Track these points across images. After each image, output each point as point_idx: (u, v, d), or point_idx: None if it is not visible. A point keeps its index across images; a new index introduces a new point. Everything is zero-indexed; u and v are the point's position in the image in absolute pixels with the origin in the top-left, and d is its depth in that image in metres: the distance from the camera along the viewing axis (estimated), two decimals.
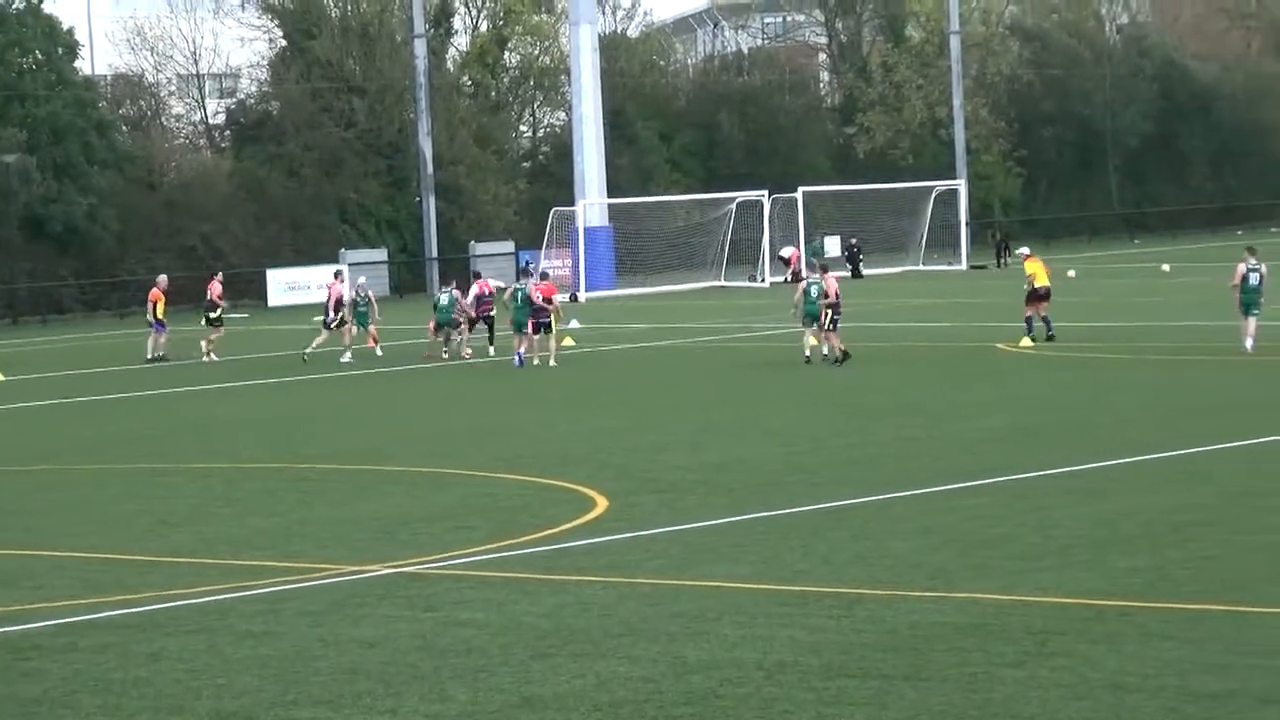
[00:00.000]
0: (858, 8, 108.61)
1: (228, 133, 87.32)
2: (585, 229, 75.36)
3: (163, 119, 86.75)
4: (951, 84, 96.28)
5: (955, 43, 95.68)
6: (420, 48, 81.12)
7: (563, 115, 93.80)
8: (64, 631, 16.85)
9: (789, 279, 75.53)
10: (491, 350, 46.88)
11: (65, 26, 79.43)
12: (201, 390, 41.75)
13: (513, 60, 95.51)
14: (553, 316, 43.59)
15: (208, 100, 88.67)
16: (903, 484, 23.28)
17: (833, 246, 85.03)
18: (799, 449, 27.42)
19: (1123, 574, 17.48)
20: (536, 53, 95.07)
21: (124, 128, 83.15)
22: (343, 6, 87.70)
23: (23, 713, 14.14)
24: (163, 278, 52.01)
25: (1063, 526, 20.02)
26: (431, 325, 47.54)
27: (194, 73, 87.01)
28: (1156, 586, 16.92)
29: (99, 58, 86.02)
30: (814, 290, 40.67)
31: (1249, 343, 38.78)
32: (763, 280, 77.34)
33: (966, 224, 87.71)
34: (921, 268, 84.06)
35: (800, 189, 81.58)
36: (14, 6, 77.75)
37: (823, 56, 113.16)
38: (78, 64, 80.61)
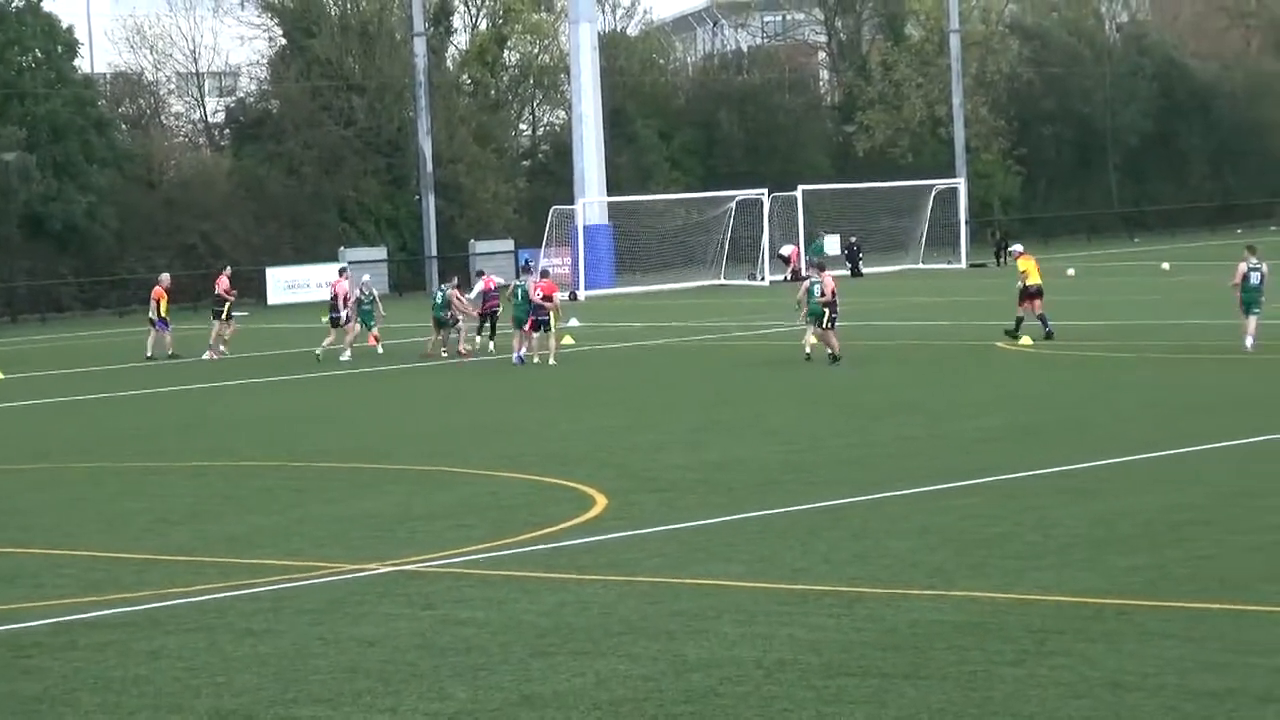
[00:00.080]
0: (857, 6, 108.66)
1: (227, 131, 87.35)
2: (585, 227, 75.39)
3: (162, 117, 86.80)
4: (951, 82, 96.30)
5: (955, 41, 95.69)
6: (420, 46, 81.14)
7: (562, 114, 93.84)
8: (63, 629, 16.85)
9: (788, 277, 75.59)
10: (491, 346, 46.87)
11: (65, 25, 79.49)
12: (200, 389, 41.75)
13: (512, 59, 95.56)
14: (551, 315, 43.57)
15: (207, 98, 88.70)
16: (902, 483, 23.28)
17: (832, 245, 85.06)
18: (798, 448, 27.41)
19: (1121, 573, 17.49)
20: (536, 51, 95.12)
21: (123, 126, 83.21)
22: (342, 5, 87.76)
23: (23, 710, 14.14)
24: (165, 276, 52.10)
25: (1061, 525, 20.02)
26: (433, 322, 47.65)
27: (193, 71, 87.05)
28: (1155, 585, 16.92)
29: (98, 56, 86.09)
30: (816, 289, 40.68)
31: (1249, 341, 38.79)
32: (762, 279, 77.38)
33: (966, 222, 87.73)
34: (921, 266, 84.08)
35: (800, 188, 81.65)
36: (13, 5, 77.80)
37: (822, 55, 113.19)
38: (77, 62, 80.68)
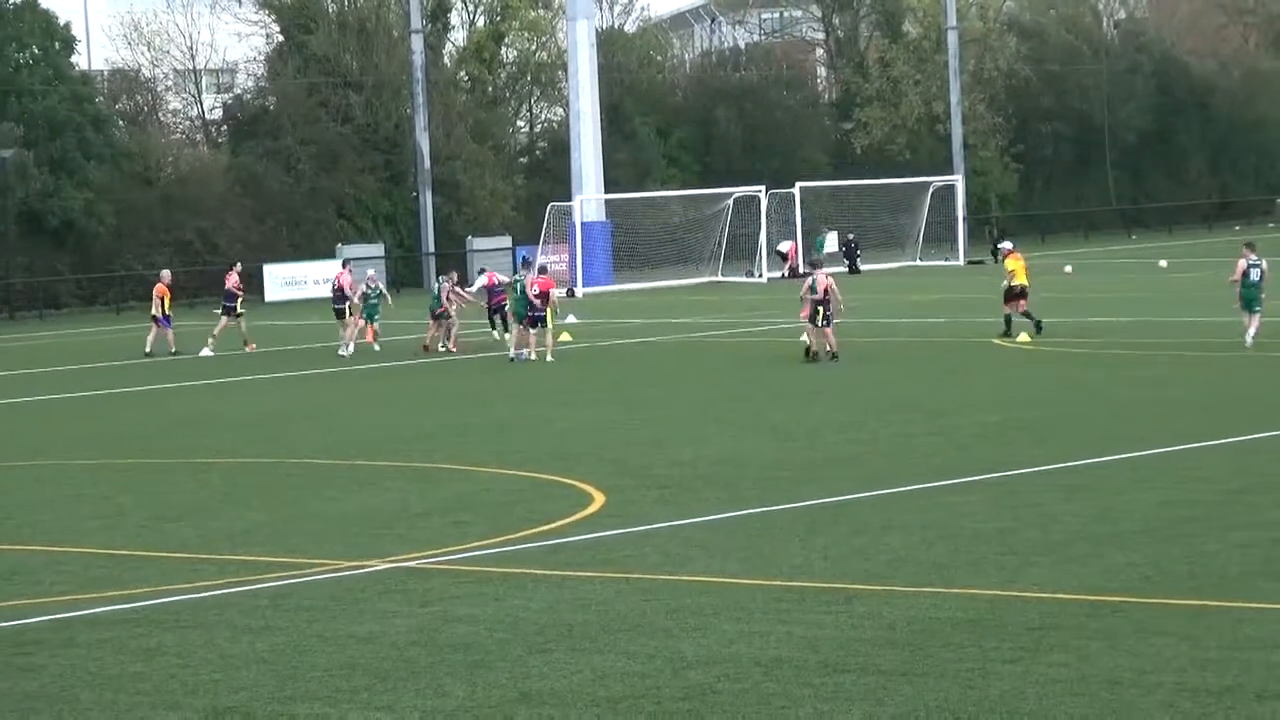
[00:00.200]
0: (855, 3, 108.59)
1: (224, 128, 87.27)
2: (582, 224, 75.34)
3: (159, 114, 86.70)
4: (949, 79, 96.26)
5: (953, 38, 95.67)
6: (417, 43, 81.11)
7: (560, 110, 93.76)
8: (61, 626, 16.86)
9: (786, 274, 75.58)
10: (508, 337, 46.48)
11: (62, 21, 79.38)
12: (197, 385, 41.73)
13: (510, 55, 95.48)
14: (548, 311, 43.53)
15: (205, 95, 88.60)
16: (900, 480, 23.29)
17: (830, 242, 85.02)
18: (796, 444, 27.42)
19: (1120, 570, 17.49)
20: (534, 48, 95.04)
21: (121, 123, 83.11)
22: (340, 2, 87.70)
23: (20, 707, 14.14)
24: (166, 272, 52.46)
25: (1060, 522, 20.03)
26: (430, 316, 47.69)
27: (191, 68, 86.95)
28: (1153, 582, 16.93)
29: (96, 52, 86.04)
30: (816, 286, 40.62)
31: (1250, 338, 38.83)
32: (760, 275, 77.36)
33: (964, 219, 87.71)
34: (919, 263, 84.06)
35: (797, 184, 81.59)
36: (10, 1, 77.72)
37: (820, 52, 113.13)
38: (74, 59, 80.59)
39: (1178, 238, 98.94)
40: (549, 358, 43.04)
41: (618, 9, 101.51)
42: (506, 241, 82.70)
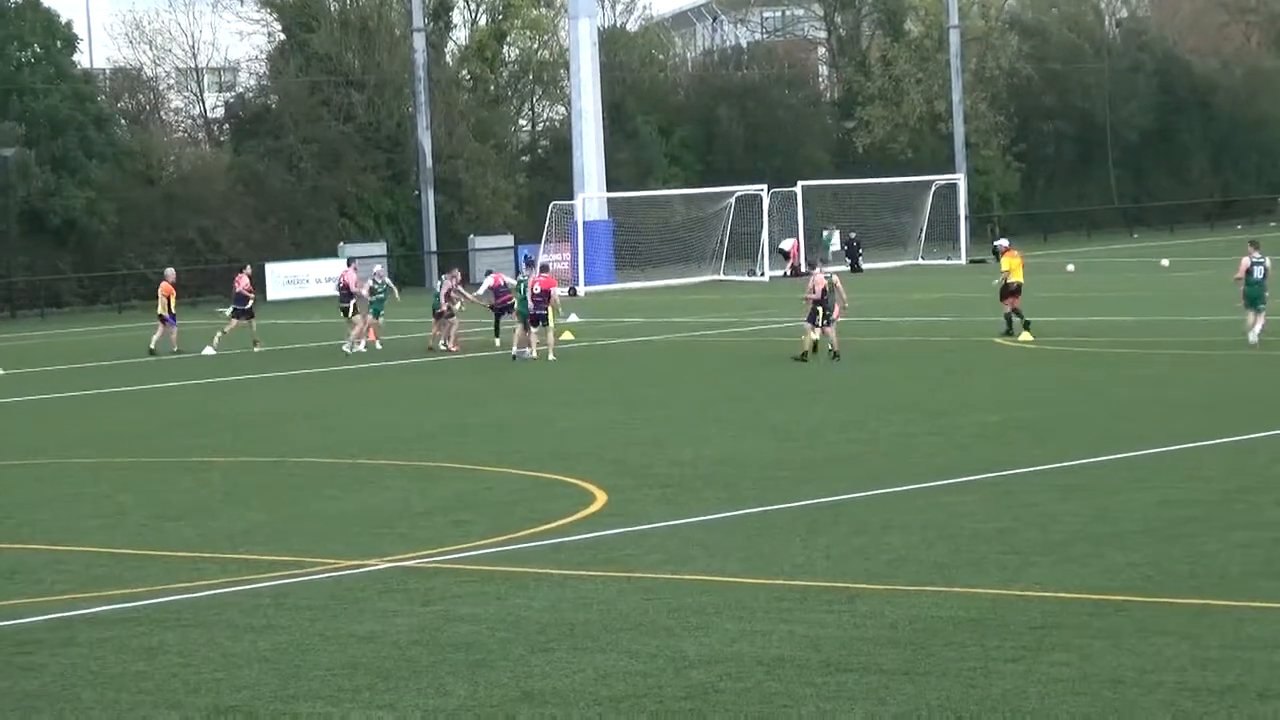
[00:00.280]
0: (856, 2, 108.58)
1: (226, 126, 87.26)
2: (584, 223, 75.33)
3: (161, 113, 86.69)
4: (950, 78, 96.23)
5: (954, 37, 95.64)
6: (419, 42, 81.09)
7: (562, 109, 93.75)
8: (62, 626, 16.86)
9: (788, 273, 75.58)
10: (497, 342, 46.61)
11: (64, 20, 79.38)
12: (198, 384, 41.74)
13: (512, 54, 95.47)
14: (550, 310, 43.51)
15: (206, 94, 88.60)
16: (901, 479, 23.29)
17: (833, 241, 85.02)
18: (797, 444, 27.42)
19: (1121, 569, 17.49)
20: (535, 47, 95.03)
21: (122, 121, 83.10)
22: (342, 0, 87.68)
23: (21, 706, 14.14)
24: (171, 271, 52.90)
25: (1060, 521, 20.03)
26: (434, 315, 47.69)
27: (193, 66, 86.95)
28: (1155, 581, 16.93)
29: (97, 51, 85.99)
30: (825, 284, 40.58)
31: (1253, 336, 38.87)
32: (762, 274, 77.36)
33: (965, 218, 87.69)
34: (921, 262, 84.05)
35: (799, 183, 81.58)
36: (12, 0, 77.70)
37: (822, 51, 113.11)
38: (76, 57, 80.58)
39: (1179, 237, 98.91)
40: (550, 356, 43.04)
41: (620, 8, 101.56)
42: (508, 240, 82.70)
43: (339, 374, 43.01)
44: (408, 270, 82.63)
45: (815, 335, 40.61)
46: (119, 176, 77.31)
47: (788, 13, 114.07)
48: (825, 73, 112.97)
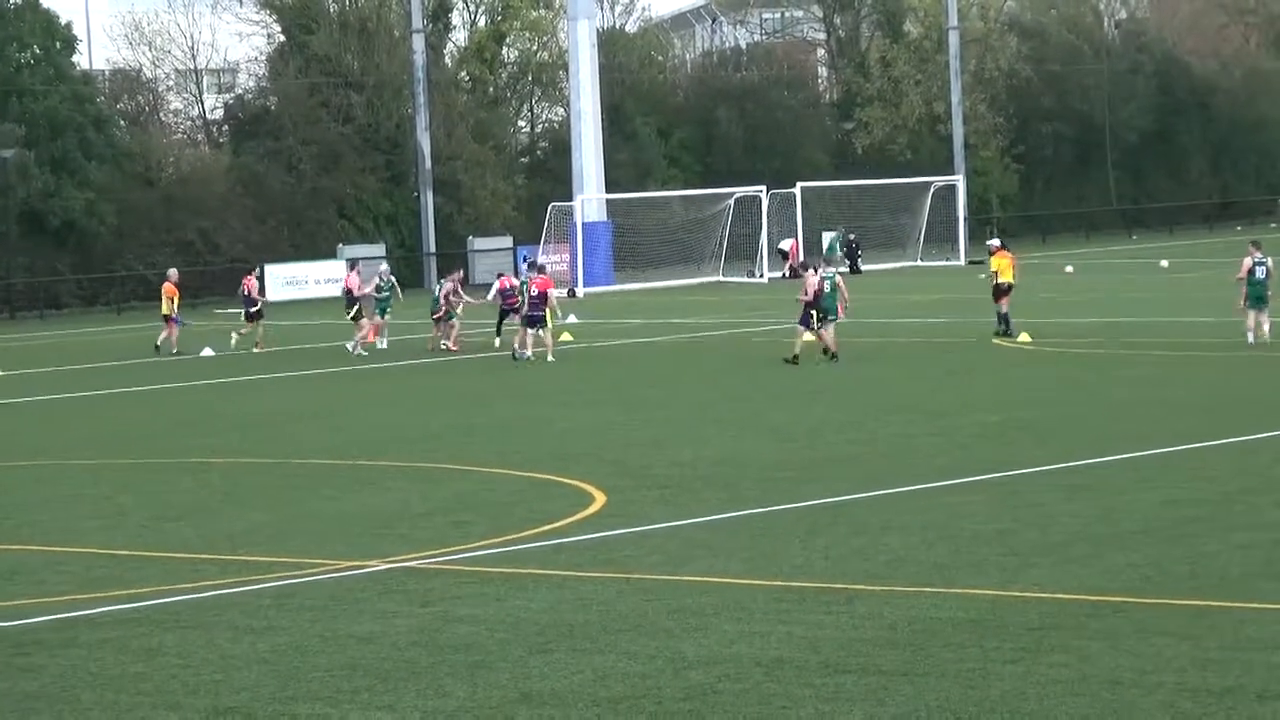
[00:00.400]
0: (856, 3, 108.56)
1: (226, 128, 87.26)
2: (583, 224, 75.33)
3: (161, 114, 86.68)
4: (950, 80, 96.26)
5: (954, 38, 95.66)
6: (418, 43, 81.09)
7: (561, 111, 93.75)
8: (62, 626, 16.86)
9: (786, 274, 75.57)
10: (497, 342, 46.64)
11: (63, 21, 79.37)
12: (199, 385, 41.75)
13: (511, 55, 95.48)
14: (548, 311, 43.51)
15: (206, 95, 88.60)
16: (900, 480, 23.29)
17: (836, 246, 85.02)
18: (797, 445, 27.42)
19: (1120, 570, 17.49)
20: (535, 48, 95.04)
21: (122, 123, 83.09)
22: (341, 2, 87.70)
23: (21, 707, 14.14)
24: (174, 271, 53.29)
25: (1060, 522, 20.03)
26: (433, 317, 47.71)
27: (192, 68, 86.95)
28: (1154, 582, 16.93)
29: (97, 52, 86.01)
30: (827, 285, 40.57)
31: (1251, 337, 38.90)
32: (761, 275, 77.36)
33: (965, 220, 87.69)
34: (920, 263, 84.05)
35: (798, 184, 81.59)
36: (11, 1, 77.71)
37: (821, 52, 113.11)
38: (76, 59, 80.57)
39: (1179, 238, 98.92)
40: (549, 357, 43.04)
41: (619, 9, 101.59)
42: (507, 241, 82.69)
43: (339, 375, 43.01)
44: (407, 271, 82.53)
45: (809, 337, 40.61)
46: (118, 178, 77.31)
47: (787, 14, 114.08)
48: (824, 74, 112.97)
